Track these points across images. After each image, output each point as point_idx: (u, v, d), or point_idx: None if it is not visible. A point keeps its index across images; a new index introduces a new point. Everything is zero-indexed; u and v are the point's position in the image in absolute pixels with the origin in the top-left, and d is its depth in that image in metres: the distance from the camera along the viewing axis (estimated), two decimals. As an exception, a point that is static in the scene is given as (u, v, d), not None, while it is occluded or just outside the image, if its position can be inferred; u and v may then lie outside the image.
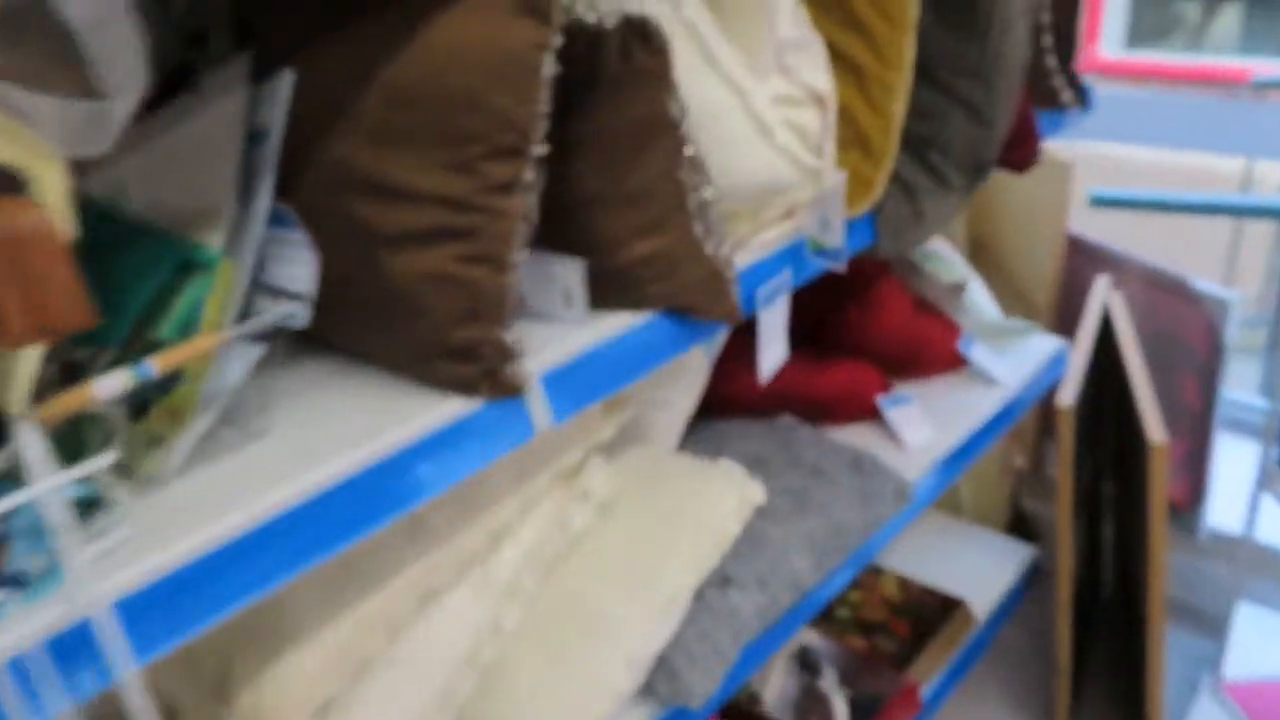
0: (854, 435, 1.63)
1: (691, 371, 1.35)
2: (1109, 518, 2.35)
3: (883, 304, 1.60)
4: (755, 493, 1.18)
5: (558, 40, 0.81)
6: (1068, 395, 1.84)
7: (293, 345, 0.98)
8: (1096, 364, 2.13)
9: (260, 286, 0.90)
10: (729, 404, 1.51)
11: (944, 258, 1.71)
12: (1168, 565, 2.36)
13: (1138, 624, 1.95)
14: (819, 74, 1.15)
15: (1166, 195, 2.86)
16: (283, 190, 0.90)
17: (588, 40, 0.86)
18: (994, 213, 2.42)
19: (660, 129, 0.90)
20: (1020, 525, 2.42)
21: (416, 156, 0.84)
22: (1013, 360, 1.82)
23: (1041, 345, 1.90)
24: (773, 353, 1.16)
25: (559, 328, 0.99)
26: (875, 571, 1.97)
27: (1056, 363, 1.89)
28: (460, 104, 0.81)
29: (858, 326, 1.60)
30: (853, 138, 1.21)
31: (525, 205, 0.85)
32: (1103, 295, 2.14)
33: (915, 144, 1.30)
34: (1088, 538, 2.26)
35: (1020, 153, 1.48)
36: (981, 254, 2.51)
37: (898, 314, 1.64)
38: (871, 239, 1.29)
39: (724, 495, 1.16)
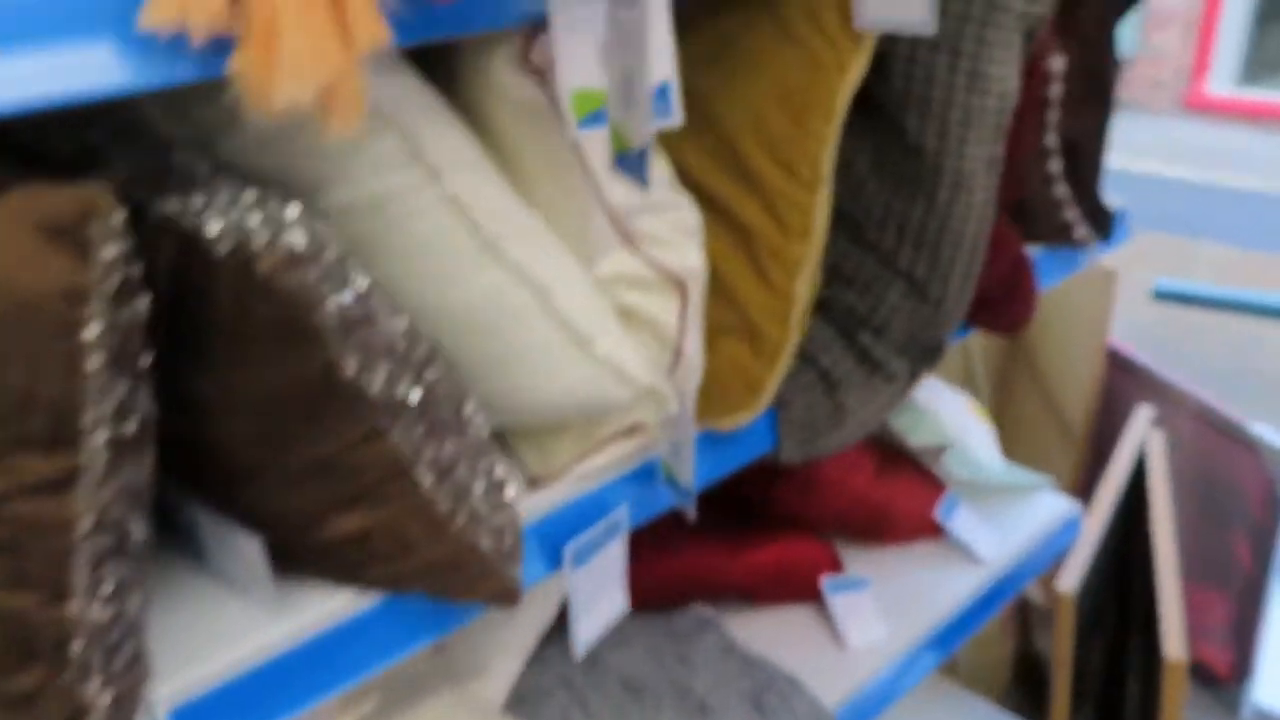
0: (788, 624, 1.29)
1: (551, 574, 1.03)
2: (1136, 672, 1.95)
3: (824, 478, 1.25)
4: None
5: (111, 282, 0.50)
6: (1070, 579, 1.46)
7: None
8: (1129, 502, 1.73)
9: None
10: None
11: (920, 411, 1.35)
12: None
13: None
14: (683, 246, 0.81)
15: (1246, 295, 2.41)
16: None
17: (201, 263, 0.55)
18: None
19: (334, 394, 0.58)
20: (1031, 668, 2.03)
21: (-67, 431, 0.54)
22: (1009, 527, 1.44)
23: (1050, 506, 1.51)
24: (594, 620, 0.83)
25: (239, 611, 0.69)
26: (833, 747, 1.62)
27: (1067, 528, 1.51)
28: (-31, 370, 0.51)
29: (793, 501, 1.25)
30: (738, 323, 0.87)
31: (97, 506, 0.55)
32: (1140, 434, 1.74)
33: (840, 319, 0.95)
34: (1114, 690, 1.86)
35: (1008, 312, 1.11)
36: (1018, 353, 2.12)
37: (851, 483, 1.28)
38: (770, 443, 0.95)
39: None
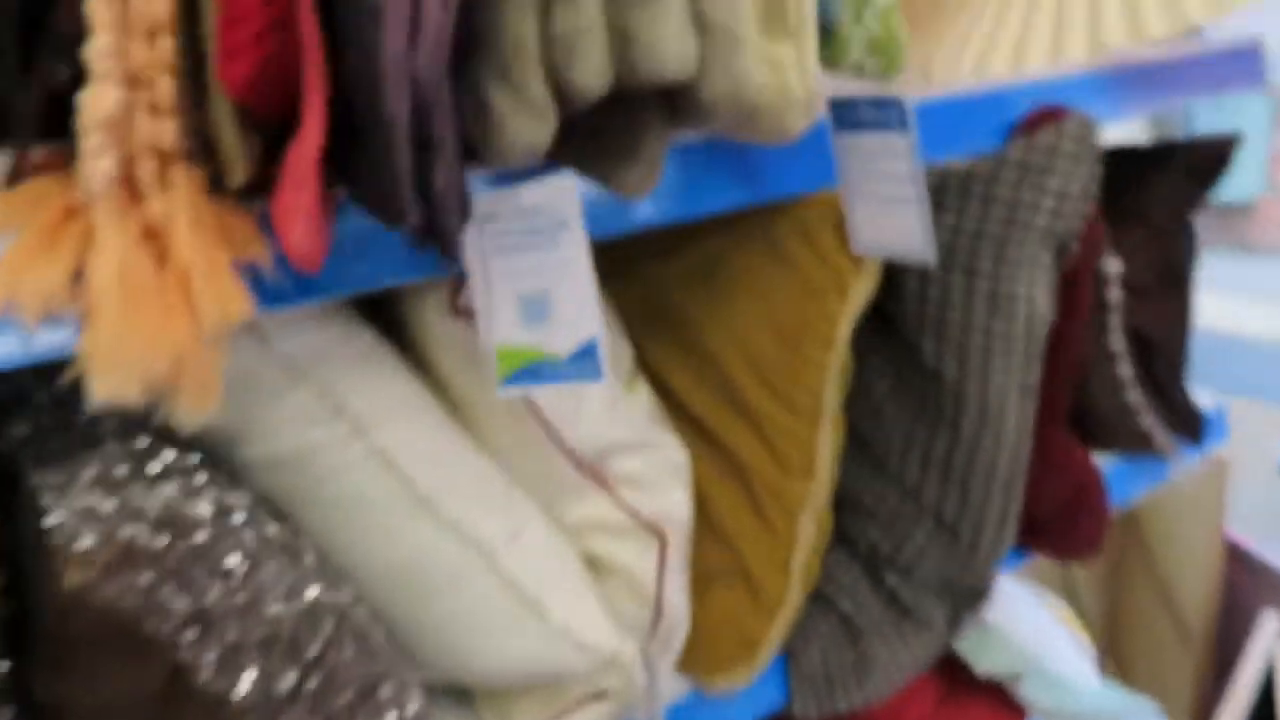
0: None
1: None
2: None
3: (874, 710, 1.09)
4: None
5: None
6: (1179, 835, 1.24)
7: None
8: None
9: None
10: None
11: (988, 630, 1.18)
12: None
13: None
14: (665, 489, 0.71)
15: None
16: None
17: (42, 551, 0.48)
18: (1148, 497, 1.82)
19: (188, 699, 0.50)
20: None
21: None
22: (1104, 763, 1.24)
23: (1155, 738, 1.30)
24: None
25: None
26: None
27: (1176, 765, 1.29)
28: None
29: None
30: (733, 568, 0.76)
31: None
32: (1269, 650, 1.51)
33: (864, 557, 0.83)
34: None
35: (1072, 538, 0.96)
36: (1130, 540, 1.90)
37: (908, 715, 1.12)
38: (782, 698, 0.82)
39: None
